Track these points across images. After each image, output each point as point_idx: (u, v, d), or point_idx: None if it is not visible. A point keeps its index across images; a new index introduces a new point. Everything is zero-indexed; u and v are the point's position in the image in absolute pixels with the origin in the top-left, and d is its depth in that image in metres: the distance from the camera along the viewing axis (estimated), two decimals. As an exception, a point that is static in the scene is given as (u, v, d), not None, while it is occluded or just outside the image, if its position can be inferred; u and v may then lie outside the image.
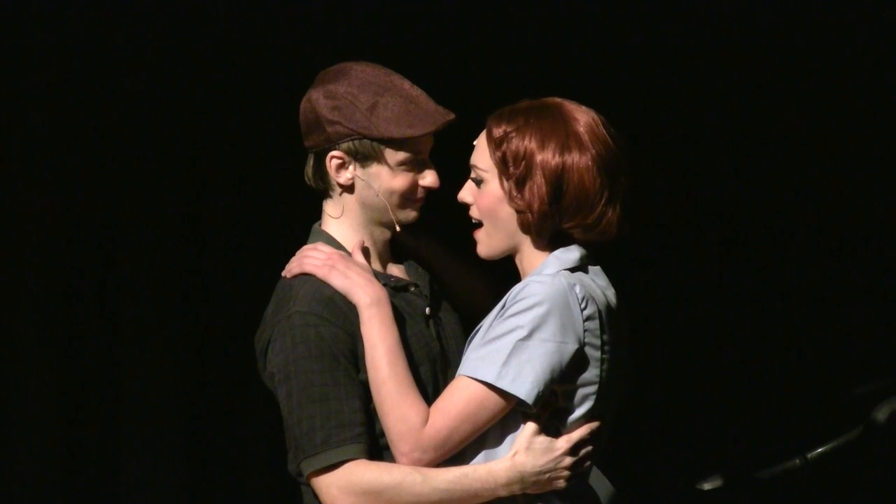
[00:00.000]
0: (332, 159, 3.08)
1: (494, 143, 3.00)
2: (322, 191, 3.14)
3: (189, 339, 4.90)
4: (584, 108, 3.02)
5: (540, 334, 2.89)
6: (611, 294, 3.03)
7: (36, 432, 4.74)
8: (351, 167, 3.08)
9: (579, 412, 2.97)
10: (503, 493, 2.93)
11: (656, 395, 5.15)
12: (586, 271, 3.02)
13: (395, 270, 3.21)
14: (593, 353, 2.95)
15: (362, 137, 3.05)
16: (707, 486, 4.91)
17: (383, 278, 3.11)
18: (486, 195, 3.03)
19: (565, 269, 2.98)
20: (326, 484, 2.95)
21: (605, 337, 2.96)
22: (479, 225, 3.07)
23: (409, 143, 3.06)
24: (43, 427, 4.75)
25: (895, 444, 4.81)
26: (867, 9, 4.98)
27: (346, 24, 4.89)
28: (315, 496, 2.99)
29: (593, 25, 5.04)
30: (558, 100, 3.03)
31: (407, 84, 3.09)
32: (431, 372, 3.08)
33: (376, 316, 2.98)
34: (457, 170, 3.12)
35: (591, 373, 2.96)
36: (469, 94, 4.24)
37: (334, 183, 3.10)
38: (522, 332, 2.89)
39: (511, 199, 2.99)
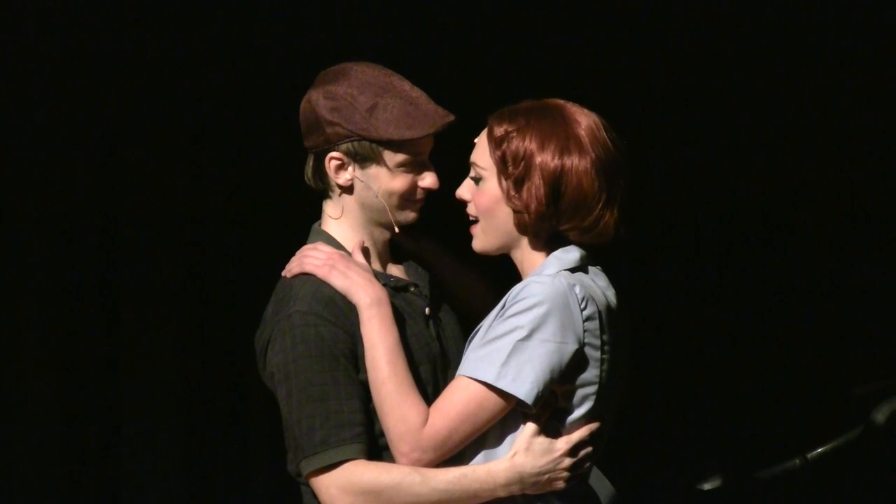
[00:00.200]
0: (332, 160, 3.07)
1: (495, 142, 3.00)
2: (322, 191, 3.14)
3: (189, 338, 4.90)
4: (585, 110, 3.02)
5: (540, 334, 2.89)
6: (611, 294, 3.03)
7: (36, 432, 4.74)
8: (350, 168, 3.08)
9: (579, 412, 2.97)
10: (502, 493, 2.93)
11: (656, 394, 5.15)
12: (586, 271, 3.02)
13: (395, 270, 3.21)
14: (593, 354, 2.95)
15: (361, 139, 3.04)
16: (707, 486, 4.91)
17: (383, 278, 3.11)
18: (484, 193, 3.03)
19: (565, 270, 2.97)
20: (325, 484, 2.94)
21: (604, 337, 2.96)
22: (476, 222, 3.07)
23: (408, 144, 3.05)
24: (43, 427, 4.75)
25: (895, 445, 4.81)
26: (867, 9, 4.98)
27: (346, 24, 4.89)
28: (314, 496, 2.99)
29: (593, 26, 5.04)
30: (560, 101, 3.03)
31: (407, 85, 3.09)
32: (431, 372, 3.08)
33: (376, 316, 2.98)
34: (456, 170, 3.12)
35: (591, 373, 2.96)
36: (469, 95, 4.25)
37: (333, 184, 3.10)
38: (522, 333, 2.89)
39: (509, 198, 2.99)
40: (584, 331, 2.93)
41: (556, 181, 2.95)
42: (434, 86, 3.16)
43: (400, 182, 3.08)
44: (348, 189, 3.10)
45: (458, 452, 2.96)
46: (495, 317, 2.96)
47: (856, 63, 5.06)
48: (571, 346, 2.91)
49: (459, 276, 3.34)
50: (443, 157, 3.16)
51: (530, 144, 2.96)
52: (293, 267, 3.08)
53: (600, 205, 2.98)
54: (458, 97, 3.37)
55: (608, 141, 2.99)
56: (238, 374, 4.83)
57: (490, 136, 3.01)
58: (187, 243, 4.89)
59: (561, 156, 2.95)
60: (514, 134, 2.98)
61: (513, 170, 2.98)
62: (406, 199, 3.10)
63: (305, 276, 3.05)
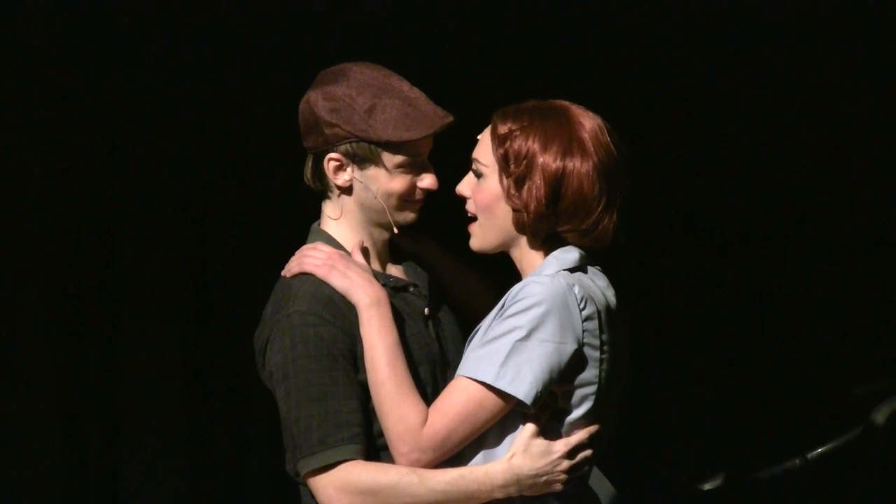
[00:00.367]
0: (330, 161, 3.07)
1: (498, 140, 3.00)
2: (321, 191, 3.14)
3: (189, 338, 4.90)
4: (590, 113, 3.02)
5: (539, 334, 2.89)
6: (610, 294, 3.03)
7: (36, 432, 4.74)
8: (349, 169, 3.08)
9: (579, 413, 2.97)
10: (499, 494, 2.93)
11: (656, 394, 5.15)
12: (586, 272, 3.02)
13: (395, 271, 3.21)
14: (592, 354, 2.95)
15: (360, 140, 3.04)
16: (707, 486, 4.91)
17: (382, 278, 3.11)
18: (485, 190, 3.03)
19: (565, 270, 2.97)
20: (323, 484, 2.95)
21: (604, 337, 2.96)
22: (475, 219, 3.07)
23: (406, 145, 3.05)
24: (43, 427, 4.75)
25: (895, 445, 4.81)
26: (867, 9, 4.98)
27: (346, 24, 4.89)
28: (312, 496, 2.99)
29: (593, 26, 5.04)
30: (565, 103, 3.03)
31: (406, 86, 3.09)
32: (430, 372, 3.08)
33: (376, 316, 2.98)
34: (456, 170, 3.12)
35: (590, 373, 2.96)
36: (469, 95, 4.25)
37: (332, 184, 3.10)
38: (521, 333, 2.89)
39: (509, 197, 2.99)
40: (584, 331, 2.93)
41: (556, 182, 2.95)
42: (434, 86, 3.16)
43: (399, 183, 3.08)
44: (347, 190, 3.10)
45: (458, 453, 2.96)
46: (494, 317, 2.96)
47: (856, 63, 5.06)
48: (570, 347, 2.91)
49: (459, 276, 3.34)
50: (442, 157, 3.16)
51: (533, 144, 2.96)
52: (293, 266, 3.08)
53: (600, 208, 2.98)
54: (458, 97, 3.37)
55: (611, 145, 2.99)
56: (238, 373, 4.83)
57: (493, 133, 3.01)
58: (187, 243, 4.89)
59: (563, 157, 2.95)
60: (518, 133, 2.98)
61: (514, 168, 2.98)
62: (405, 199, 3.10)
63: (305, 276, 3.05)
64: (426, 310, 3.16)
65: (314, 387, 2.95)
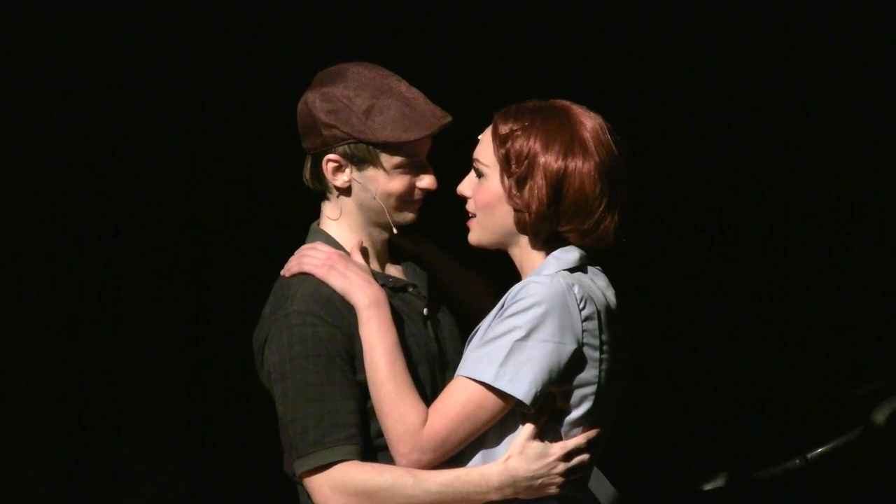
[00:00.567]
0: (329, 162, 3.07)
1: (499, 140, 3.00)
2: (320, 192, 3.14)
3: (189, 338, 4.90)
4: (591, 113, 3.02)
5: (538, 334, 2.89)
6: (610, 294, 3.03)
7: (36, 432, 4.74)
8: (347, 170, 3.08)
9: (578, 413, 2.97)
10: (495, 496, 2.93)
11: (656, 394, 5.15)
12: (585, 272, 3.02)
13: (394, 271, 3.21)
14: (592, 354, 2.95)
15: (358, 141, 3.04)
16: (707, 486, 4.91)
17: (381, 278, 3.11)
18: (486, 190, 3.03)
19: (564, 270, 2.97)
20: (319, 484, 2.95)
21: (603, 337, 2.96)
22: (474, 217, 3.07)
23: (405, 146, 3.05)
24: (43, 427, 4.74)
25: (895, 445, 4.81)
26: (867, 9, 4.98)
27: (346, 24, 4.88)
28: (308, 496, 2.99)
29: (593, 26, 5.04)
30: (566, 103, 3.03)
31: (404, 86, 3.08)
32: (429, 372, 3.08)
33: (375, 317, 2.98)
34: (456, 169, 3.12)
35: (590, 373, 2.96)
36: (469, 95, 4.25)
37: (331, 185, 3.10)
38: (520, 333, 2.89)
39: (510, 197, 2.99)
40: (583, 331, 2.93)
41: (558, 182, 2.95)
42: (434, 86, 3.16)
43: (397, 183, 3.08)
44: (346, 190, 3.10)
45: (458, 452, 2.96)
46: (494, 317, 2.96)
47: (856, 63, 5.06)
48: (570, 346, 2.91)
49: (460, 277, 3.34)
50: (442, 157, 3.16)
51: (534, 144, 2.97)
52: (292, 266, 3.08)
53: (601, 208, 2.98)
54: (458, 97, 3.37)
55: (612, 145, 2.99)
56: (238, 373, 4.83)
57: (495, 133, 3.01)
58: (187, 243, 4.89)
59: (564, 157, 2.95)
60: (519, 133, 2.98)
61: (516, 168, 2.98)
62: (404, 200, 3.10)
63: (304, 276, 3.05)
64: (425, 310, 3.16)
65: (311, 387, 2.95)
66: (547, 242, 3.02)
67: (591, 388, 2.96)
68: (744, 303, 5.20)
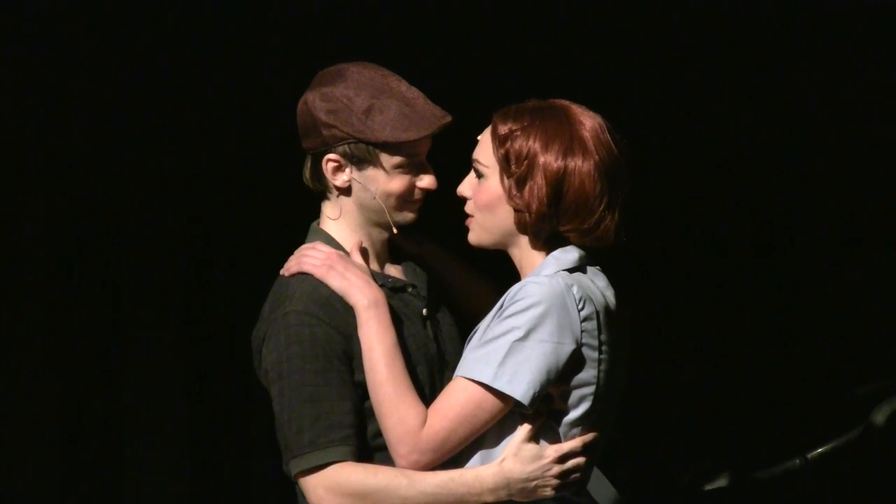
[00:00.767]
0: (329, 162, 3.07)
1: (498, 140, 3.00)
2: (320, 192, 3.14)
3: (189, 338, 4.90)
4: (590, 112, 3.02)
5: (537, 335, 2.89)
6: (610, 294, 3.03)
7: (36, 432, 4.74)
8: (347, 170, 3.08)
9: (577, 413, 2.96)
10: (490, 498, 2.93)
11: (657, 394, 5.15)
12: (585, 272, 3.02)
13: (393, 271, 3.20)
14: (590, 354, 2.95)
15: (358, 141, 3.04)
16: (708, 487, 4.91)
17: (381, 279, 3.11)
18: (486, 191, 3.03)
19: (564, 270, 2.97)
20: (313, 484, 2.95)
21: (602, 337, 2.96)
22: (473, 217, 3.07)
23: (405, 146, 3.05)
24: (43, 427, 4.75)
25: (895, 445, 4.81)
26: (867, 9, 4.98)
27: (346, 24, 4.88)
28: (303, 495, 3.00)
29: (593, 26, 5.04)
30: (566, 102, 3.03)
31: (404, 86, 3.08)
32: (428, 373, 3.08)
33: (374, 318, 2.98)
34: (455, 169, 3.12)
35: (589, 373, 2.95)
36: (469, 95, 4.25)
37: (331, 185, 3.10)
38: (519, 333, 2.89)
39: (510, 197, 2.99)
40: (582, 331, 2.93)
41: (558, 182, 2.95)
42: (434, 86, 3.16)
43: (397, 183, 3.08)
44: (346, 190, 3.10)
45: (457, 453, 2.95)
46: (493, 317, 2.96)
47: (857, 65, 5.06)
48: (568, 347, 2.91)
49: (461, 278, 3.34)
50: (442, 157, 3.16)
51: (534, 144, 2.96)
52: (291, 266, 3.08)
53: (601, 207, 2.98)
54: (458, 97, 3.37)
55: (612, 144, 2.99)
56: (238, 373, 4.83)
57: (494, 133, 3.01)
58: (187, 244, 4.89)
59: (564, 157, 2.95)
60: (519, 133, 2.98)
61: (515, 168, 2.97)
62: (404, 200, 3.10)
63: (303, 276, 3.05)
64: (424, 310, 3.16)
65: (307, 387, 2.95)
66: (547, 242, 3.02)
67: (590, 389, 2.96)
68: (744, 303, 5.20)
